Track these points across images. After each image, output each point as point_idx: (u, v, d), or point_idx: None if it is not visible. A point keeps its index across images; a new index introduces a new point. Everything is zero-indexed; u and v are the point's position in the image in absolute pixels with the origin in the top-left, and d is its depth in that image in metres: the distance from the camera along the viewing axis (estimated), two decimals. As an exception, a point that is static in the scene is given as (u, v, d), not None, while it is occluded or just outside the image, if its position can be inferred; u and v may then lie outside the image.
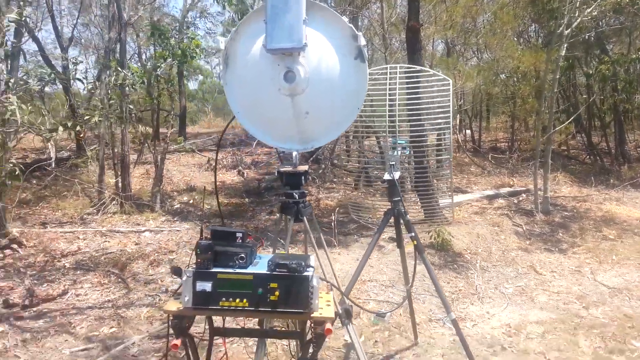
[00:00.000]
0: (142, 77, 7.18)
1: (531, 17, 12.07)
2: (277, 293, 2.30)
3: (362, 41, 2.80)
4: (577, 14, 7.41)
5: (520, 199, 9.02)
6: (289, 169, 2.98)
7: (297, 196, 2.96)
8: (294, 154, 2.98)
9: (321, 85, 2.85)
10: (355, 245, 6.68)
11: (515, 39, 11.56)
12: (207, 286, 2.34)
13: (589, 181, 10.22)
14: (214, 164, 11.69)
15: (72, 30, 10.42)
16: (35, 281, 5.16)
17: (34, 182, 9.36)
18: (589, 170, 11.53)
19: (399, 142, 3.76)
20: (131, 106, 6.53)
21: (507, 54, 9.93)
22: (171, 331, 2.38)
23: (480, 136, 15.25)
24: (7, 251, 6.02)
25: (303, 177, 2.97)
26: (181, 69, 13.18)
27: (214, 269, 2.36)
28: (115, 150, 8.55)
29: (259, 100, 3.00)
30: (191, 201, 8.83)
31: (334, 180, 10.66)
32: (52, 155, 6.48)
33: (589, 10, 7.40)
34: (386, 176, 3.34)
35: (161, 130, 12.47)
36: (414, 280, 3.59)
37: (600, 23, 9.52)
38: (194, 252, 2.48)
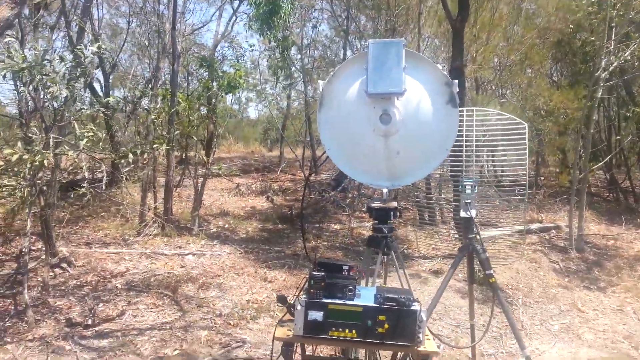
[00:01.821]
0: (189, 105, 7.44)
1: (555, 57, 12.37)
2: (386, 325, 2.43)
3: (455, 88, 2.99)
4: (612, 59, 7.65)
5: (552, 235, 9.09)
6: (378, 204, 3.13)
7: (386, 231, 3.10)
8: (385, 190, 3.14)
9: (414, 127, 3.03)
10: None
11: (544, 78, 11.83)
12: (319, 316, 2.46)
13: (616, 219, 10.28)
14: (241, 189, 11.88)
15: (116, 58, 10.76)
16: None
17: (70, 201, 9.55)
18: (613, 208, 11.58)
19: (470, 181, 3.89)
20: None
21: (537, 92, 10.17)
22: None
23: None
24: (57, 270, 6.16)
25: (392, 213, 3.12)
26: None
27: (325, 300, 2.48)
28: (154, 173, 8.76)
29: (352, 139, 3.19)
30: (227, 225, 8.97)
31: (363, 210, 10.79)
32: (104, 177, 6.66)
33: (625, 55, 7.63)
34: (462, 213, 3.48)
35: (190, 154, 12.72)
36: (491, 318, 3.69)
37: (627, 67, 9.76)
38: (303, 281, 2.62)
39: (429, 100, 3.03)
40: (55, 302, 5.27)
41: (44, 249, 6.15)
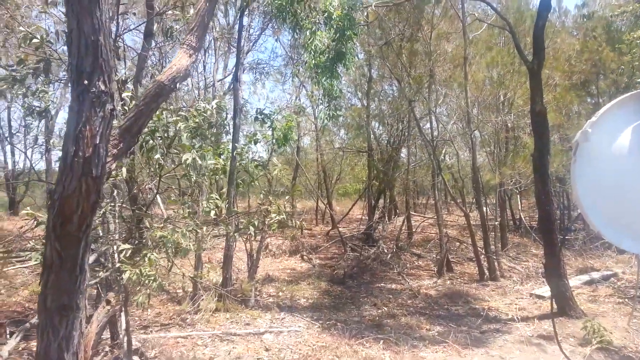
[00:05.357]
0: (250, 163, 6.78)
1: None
2: None
3: None
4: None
5: (617, 283, 8.74)
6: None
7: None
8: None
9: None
10: (508, 343, 6.06)
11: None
12: None
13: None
14: (271, 250, 11.02)
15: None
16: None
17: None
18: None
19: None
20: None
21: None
22: None
23: (520, 215, 15.21)
24: (130, 365, 5.17)
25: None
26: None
27: None
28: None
29: (621, 198, 2.61)
30: (280, 293, 8.13)
31: (407, 265, 10.18)
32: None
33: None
34: None
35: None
36: None
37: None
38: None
39: None
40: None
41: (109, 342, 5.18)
